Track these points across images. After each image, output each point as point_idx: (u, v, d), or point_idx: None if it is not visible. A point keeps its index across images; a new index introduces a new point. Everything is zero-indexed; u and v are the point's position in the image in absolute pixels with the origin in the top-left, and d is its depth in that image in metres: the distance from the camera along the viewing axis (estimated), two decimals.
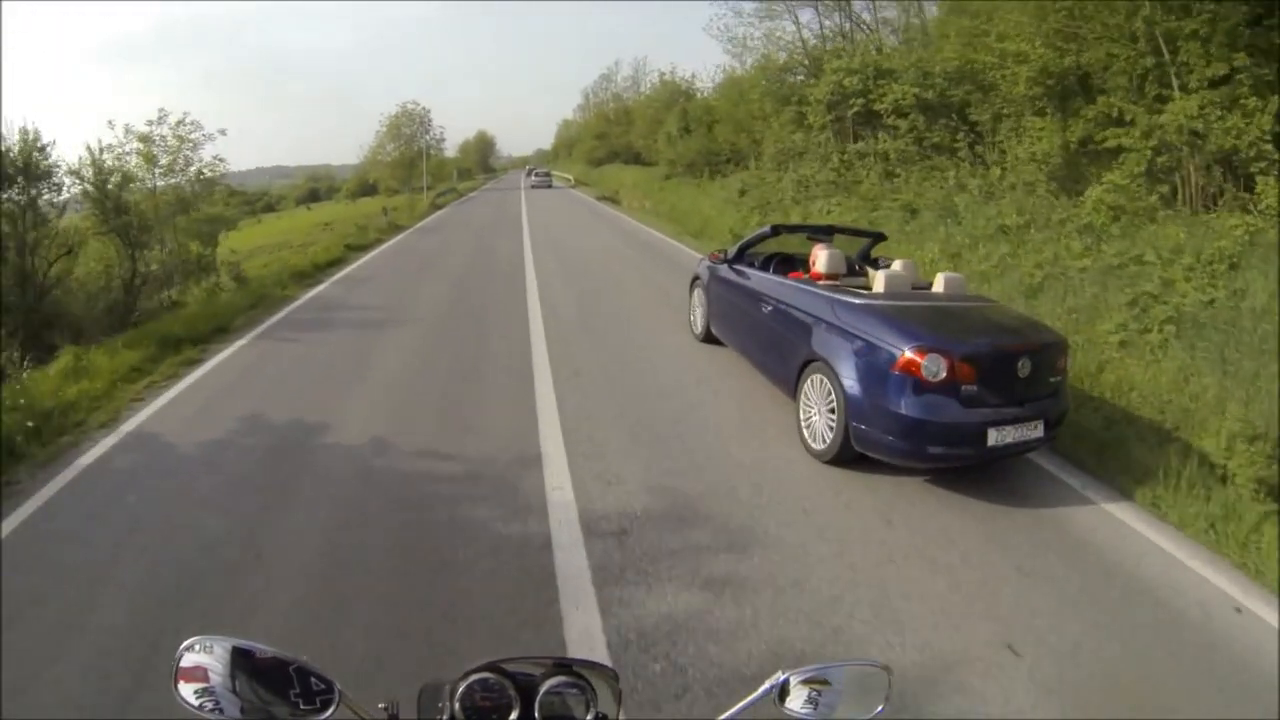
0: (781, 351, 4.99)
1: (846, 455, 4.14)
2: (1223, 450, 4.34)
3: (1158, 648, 2.79)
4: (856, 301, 4.45)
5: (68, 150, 17.56)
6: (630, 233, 17.48)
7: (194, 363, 6.69)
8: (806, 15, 16.05)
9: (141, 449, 4.63)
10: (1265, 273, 6.66)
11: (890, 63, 13.04)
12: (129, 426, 5.01)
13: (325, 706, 0.87)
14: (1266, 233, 7.31)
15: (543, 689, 0.90)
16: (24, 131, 11.79)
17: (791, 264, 6.14)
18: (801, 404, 4.58)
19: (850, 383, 4.09)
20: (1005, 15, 10.52)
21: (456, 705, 0.89)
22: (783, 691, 0.94)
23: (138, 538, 3.44)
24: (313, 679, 0.87)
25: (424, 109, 47.34)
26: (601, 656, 2.51)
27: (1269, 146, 7.92)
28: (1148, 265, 7.72)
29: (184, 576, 3.09)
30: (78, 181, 14.45)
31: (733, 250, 6.48)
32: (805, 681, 0.94)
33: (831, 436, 4.21)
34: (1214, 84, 8.66)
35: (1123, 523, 3.77)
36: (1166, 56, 9.37)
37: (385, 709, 0.93)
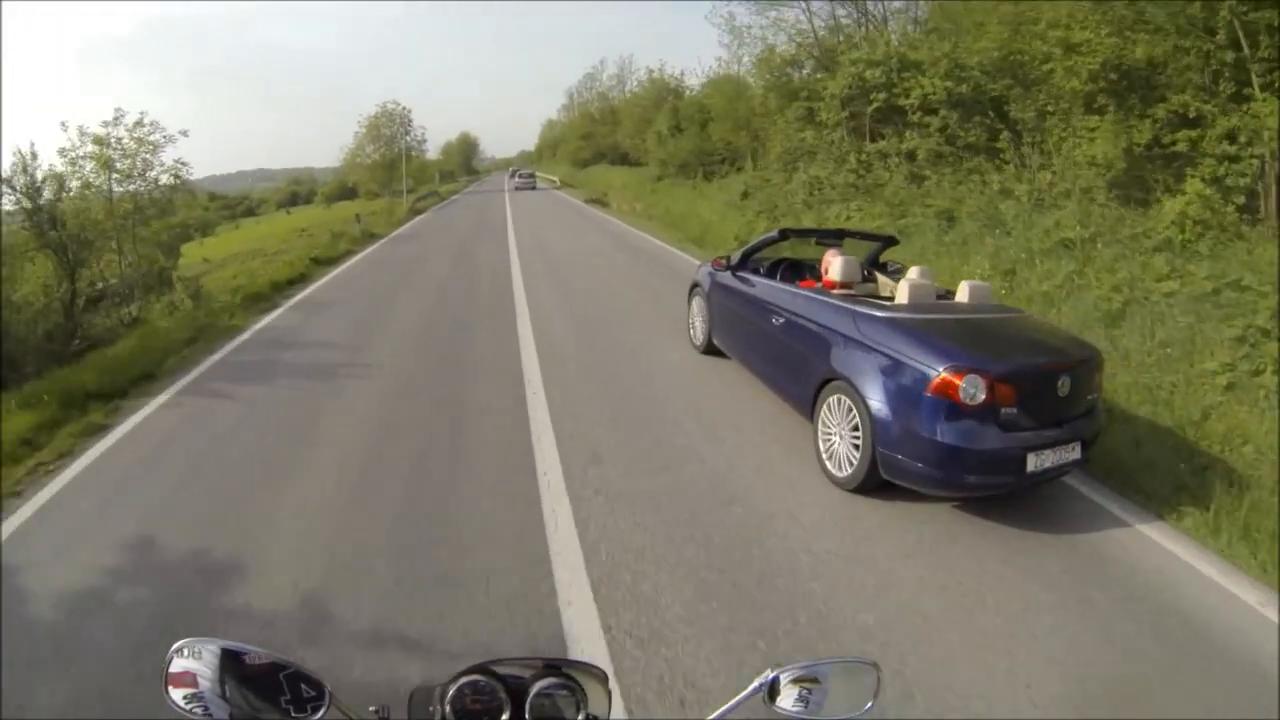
0: (796, 368, 4.59)
1: (872, 483, 3.79)
2: None
3: None
4: (880, 314, 4.06)
5: (51, 156, 16.16)
6: (626, 241, 16.08)
7: (97, 432, 5.24)
8: (817, 3, 14.72)
9: None
10: None
11: (918, 54, 11.73)
12: None
13: (315, 710, 0.87)
14: None
15: (533, 691, 0.89)
16: None
17: (799, 270, 5.80)
18: (820, 427, 4.18)
19: (877, 405, 3.74)
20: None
21: (447, 708, 0.88)
22: (772, 689, 0.94)
23: None
24: (303, 683, 0.87)
25: (404, 109, 45.74)
26: None
27: None
28: (1248, 292, 6.54)
29: None
30: (10, 191, 13.01)
31: (737, 256, 5.98)
32: (795, 679, 0.95)
33: (856, 463, 3.85)
34: None
35: None
36: (1246, 51, 8.20)
37: (376, 712, 0.93)
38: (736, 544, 3.39)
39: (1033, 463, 3.55)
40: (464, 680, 0.89)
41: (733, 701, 0.94)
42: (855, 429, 3.86)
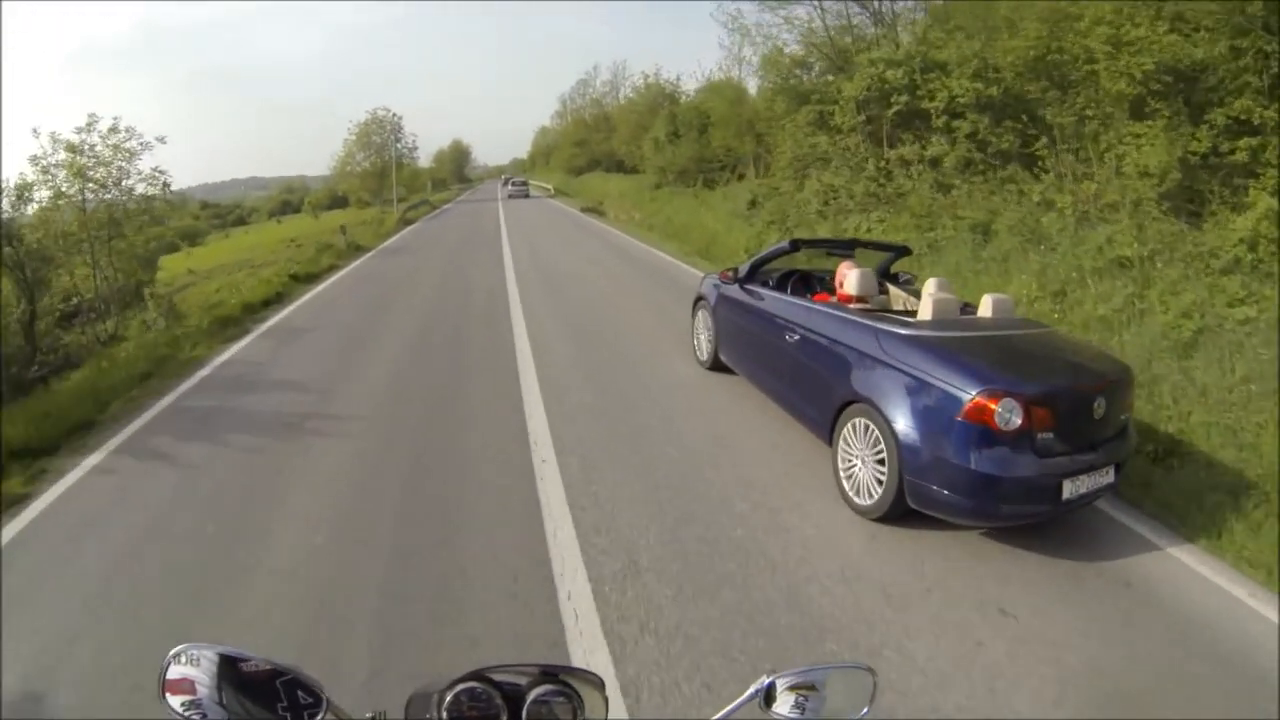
0: (813, 389, 4.36)
1: (897, 512, 3.58)
2: None
3: None
4: (904, 332, 3.85)
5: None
6: (628, 254, 15.21)
7: (13, 505, 4.32)
8: (830, 2, 13.89)
9: None
10: None
11: (943, 53, 10.90)
12: None
13: (313, 716, 0.87)
14: None
15: (530, 698, 0.89)
16: None
17: (809, 283, 5.61)
18: (840, 452, 3.95)
19: (904, 430, 3.53)
20: None
21: (444, 714, 0.88)
22: (768, 695, 0.94)
23: None
24: (300, 689, 0.87)
25: (395, 115, 44.93)
26: None
27: None
28: None
29: None
30: None
31: (745, 268, 5.69)
32: (791, 685, 0.94)
33: (881, 491, 3.63)
34: None
35: None
36: None
37: (373, 718, 0.93)
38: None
39: (1069, 490, 3.38)
40: (461, 687, 0.88)
41: (729, 707, 0.93)
42: (880, 455, 3.62)
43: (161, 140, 17.02)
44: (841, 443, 3.93)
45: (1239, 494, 4.07)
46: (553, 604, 3.05)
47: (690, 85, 32.01)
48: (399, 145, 45.09)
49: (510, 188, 45.75)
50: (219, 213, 68.49)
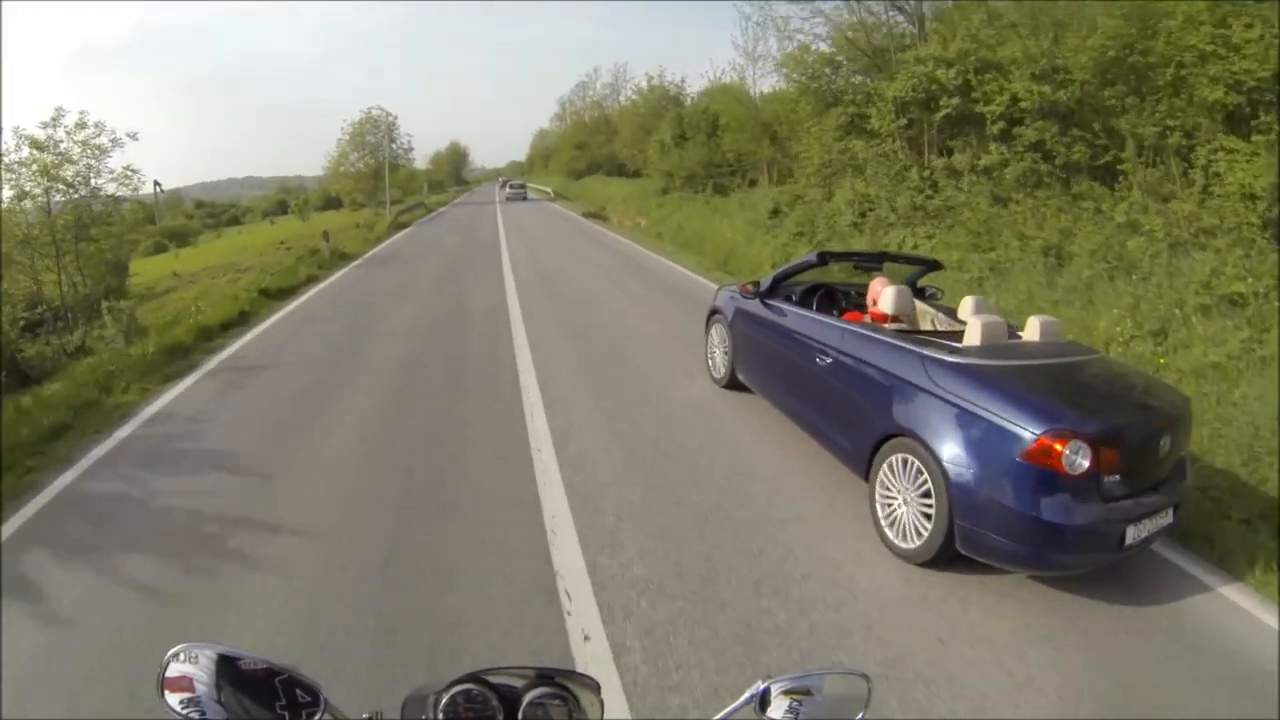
0: (847, 419, 3.99)
1: (944, 557, 3.23)
2: None
3: None
4: (955, 360, 3.45)
5: None
6: (640, 265, 13.88)
7: None
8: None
9: None
10: None
11: (1002, 52, 9.63)
12: None
13: (310, 715, 0.85)
14: None
15: (526, 700, 0.88)
16: None
17: (834, 298, 5.34)
18: (879, 490, 3.58)
19: (956, 471, 3.17)
20: None
21: (440, 716, 0.87)
22: (763, 701, 0.91)
23: None
24: (298, 688, 0.86)
25: (389, 115, 43.63)
26: None
27: None
28: None
29: None
30: None
31: (767, 281, 5.31)
32: (786, 691, 0.92)
33: (927, 534, 3.27)
34: None
35: None
36: None
37: (370, 718, 0.91)
38: None
39: (1131, 535, 3.11)
40: (457, 689, 0.87)
41: (724, 712, 0.89)
42: (926, 495, 3.31)
43: (133, 136, 15.92)
44: (880, 480, 3.61)
45: None
46: None
47: (696, 87, 30.95)
48: (394, 146, 43.85)
49: (508, 191, 46.22)
50: (213, 212, 67.41)
